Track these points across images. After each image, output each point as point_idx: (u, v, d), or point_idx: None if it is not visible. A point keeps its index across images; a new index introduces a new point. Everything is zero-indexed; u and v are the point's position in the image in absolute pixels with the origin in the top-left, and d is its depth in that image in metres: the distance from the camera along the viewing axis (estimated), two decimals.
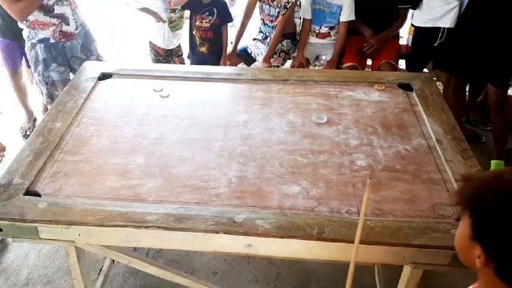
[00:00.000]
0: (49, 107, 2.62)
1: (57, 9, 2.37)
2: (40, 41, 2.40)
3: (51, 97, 2.59)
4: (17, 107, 3.55)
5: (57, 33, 2.41)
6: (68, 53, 2.54)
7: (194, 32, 3.12)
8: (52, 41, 2.42)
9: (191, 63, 3.31)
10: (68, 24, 2.43)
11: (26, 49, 2.51)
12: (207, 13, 3.02)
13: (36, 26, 2.35)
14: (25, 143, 1.69)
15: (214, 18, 3.03)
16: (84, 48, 2.59)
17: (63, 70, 2.53)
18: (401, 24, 3.15)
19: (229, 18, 3.15)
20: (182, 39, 3.32)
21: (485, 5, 2.57)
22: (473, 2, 2.64)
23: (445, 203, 1.43)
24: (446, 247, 1.27)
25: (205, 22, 3.04)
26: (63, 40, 2.45)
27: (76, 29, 2.50)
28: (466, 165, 1.55)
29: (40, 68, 2.48)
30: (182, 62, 3.41)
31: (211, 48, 3.12)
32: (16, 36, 2.70)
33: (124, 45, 4.65)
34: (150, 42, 3.29)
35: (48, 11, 2.35)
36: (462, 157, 1.59)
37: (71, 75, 2.66)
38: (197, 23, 3.06)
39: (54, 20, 2.38)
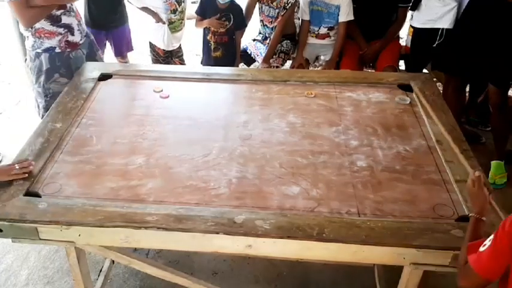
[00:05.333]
0: None
1: (64, 19, 2.35)
2: (45, 50, 2.37)
3: (48, 111, 2.56)
4: (17, 107, 3.56)
5: (62, 42, 2.38)
6: (72, 65, 2.48)
7: (209, 37, 3.12)
8: (58, 50, 2.38)
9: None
10: (73, 34, 2.40)
11: (29, 59, 2.47)
12: (223, 18, 3.03)
13: (42, 35, 2.33)
14: (25, 144, 1.69)
15: (230, 24, 3.04)
16: (89, 59, 2.56)
17: (64, 82, 2.45)
18: (399, 28, 3.14)
19: (243, 24, 3.15)
20: (186, 41, 3.32)
21: (485, 5, 2.57)
22: (474, 2, 2.64)
23: (445, 204, 1.43)
24: (446, 248, 1.28)
25: (221, 27, 3.04)
26: (68, 50, 2.42)
27: (81, 40, 2.47)
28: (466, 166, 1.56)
29: (42, 78, 2.43)
30: (182, 63, 3.41)
31: (225, 53, 3.13)
32: (98, 25, 3.08)
33: None
34: (150, 42, 3.29)
35: (55, 20, 2.33)
36: (462, 157, 1.59)
37: None
38: (212, 27, 3.07)
39: (61, 30, 2.36)
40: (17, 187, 1.47)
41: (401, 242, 1.30)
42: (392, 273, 1.65)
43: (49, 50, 2.37)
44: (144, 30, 3.41)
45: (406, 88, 2.05)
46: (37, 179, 1.52)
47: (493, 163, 2.72)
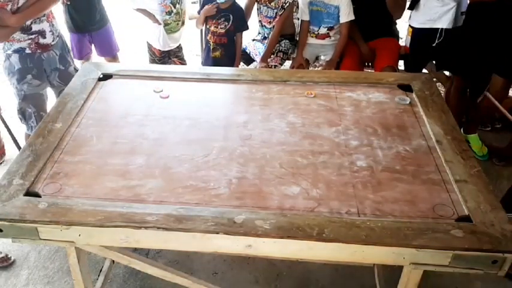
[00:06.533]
0: (25, 127, 2.57)
1: (35, 27, 2.33)
2: (15, 51, 2.33)
3: (22, 113, 2.52)
4: None
5: (33, 44, 2.35)
6: (46, 66, 2.46)
7: (208, 37, 3.13)
8: (28, 51, 2.35)
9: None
10: (44, 37, 2.38)
11: (3, 60, 2.44)
12: (222, 19, 3.03)
13: (11, 40, 2.30)
14: (25, 144, 1.69)
15: (229, 25, 3.04)
16: (62, 59, 2.53)
17: (37, 84, 2.44)
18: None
19: (245, 26, 3.15)
20: (186, 41, 3.33)
21: (488, 4, 2.58)
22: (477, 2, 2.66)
23: (445, 204, 1.43)
24: (446, 248, 1.28)
25: (221, 28, 3.05)
26: (39, 51, 2.38)
27: (53, 41, 2.43)
28: (466, 166, 1.56)
29: (14, 79, 2.40)
30: (183, 63, 3.42)
31: (224, 53, 3.13)
32: (82, 29, 3.18)
33: (124, 45, 4.67)
34: (147, 42, 3.31)
35: (25, 29, 2.30)
36: (462, 158, 1.60)
37: (51, 92, 2.62)
38: (212, 28, 3.07)
39: (32, 36, 2.34)
40: (17, 187, 1.47)
41: (401, 242, 1.30)
42: (392, 273, 1.66)
43: (19, 50, 2.34)
44: (141, 30, 3.42)
45: (406, 88, 2.05)
46: (37, 179, 1.52)
47: (473, 137, 2.94)
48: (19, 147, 2.52)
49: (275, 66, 3.21)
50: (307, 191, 1.49)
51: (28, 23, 2.29)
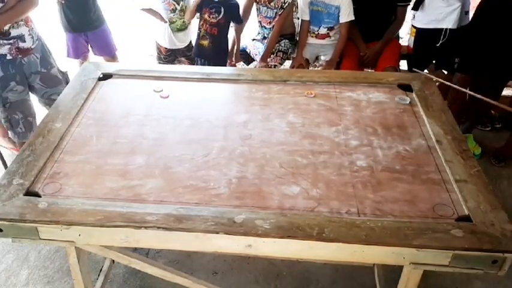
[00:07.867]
0: (9, 132, 2.52)
1: (14, 32, 2.31)
2: None
3: (9, 121, 2.49)
4: None
5: (13, 50, 2.33)
6: (26, 70, 2.43)
7: (200, 24, 3.14)
8: (9, 57, 2.33)
9: (192, 53, 3.34)
10: (24, 41, 2.36)
11: None
12: (213, 9, 3.03)
13: None
14: (25, 143, 1.69)
15: (220, 17, 3.05)
16: (43, 62, 2.50)
17: (21, 90, 2.43)
18: (398, 27, 3.14)
19: (237, 19, 3.15)
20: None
21: (498, 5, 2.59)
22: (487, 2, 2.66)
23: (445, 204, 1.43)
24: (446, 247, 1.28)
25: (212, 18, 3.05)
26: (20, 56, 2.37)
27: (33, 44, 2.42)
28: (465, 166, 1.56)
29: None
30: (192, 62, 3.41)
31: (212, 45, 3.13)
32: (77, 28, 3.20)
33: (123, 45, 4.67)
34: (155, 41, 3.34)
35: (4, 35, 2.28)
36: (462, 158, 1.60)
37: (32, 96, 2.58)
38: (206, 15, 3.08)
39: (11, 41, 2.32)
40: (17, 187, 1.47)
41: (401, 242, 1.30)
42: (393, 273, 1.66)
43: (0, 57, 2.33)
44: (140, 29, 3.44)
45: (406, 88, 2.05)
46: (37, 179, 1.52)
47: (467, 136, 2.98)
48: (5, 165, 2.49)
49: (275, 66, 3.21)
50: (307, 191, 1.49)
51: (6, 27, 2.27)
